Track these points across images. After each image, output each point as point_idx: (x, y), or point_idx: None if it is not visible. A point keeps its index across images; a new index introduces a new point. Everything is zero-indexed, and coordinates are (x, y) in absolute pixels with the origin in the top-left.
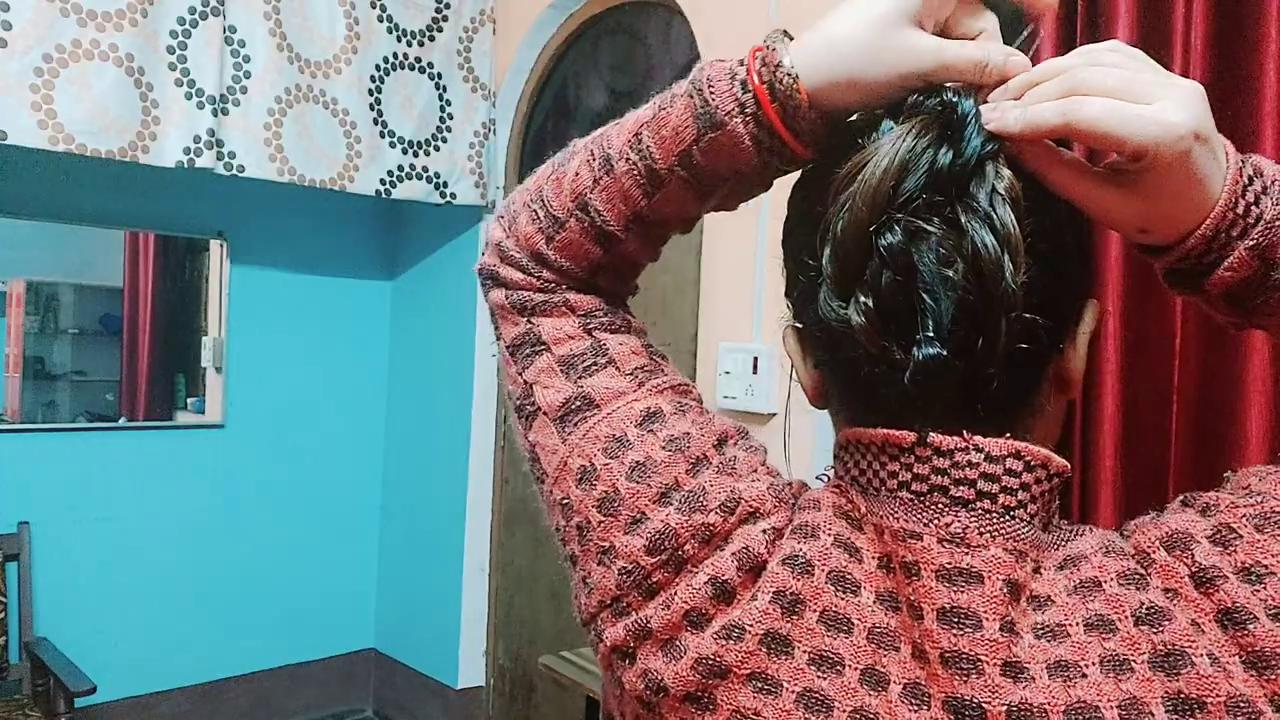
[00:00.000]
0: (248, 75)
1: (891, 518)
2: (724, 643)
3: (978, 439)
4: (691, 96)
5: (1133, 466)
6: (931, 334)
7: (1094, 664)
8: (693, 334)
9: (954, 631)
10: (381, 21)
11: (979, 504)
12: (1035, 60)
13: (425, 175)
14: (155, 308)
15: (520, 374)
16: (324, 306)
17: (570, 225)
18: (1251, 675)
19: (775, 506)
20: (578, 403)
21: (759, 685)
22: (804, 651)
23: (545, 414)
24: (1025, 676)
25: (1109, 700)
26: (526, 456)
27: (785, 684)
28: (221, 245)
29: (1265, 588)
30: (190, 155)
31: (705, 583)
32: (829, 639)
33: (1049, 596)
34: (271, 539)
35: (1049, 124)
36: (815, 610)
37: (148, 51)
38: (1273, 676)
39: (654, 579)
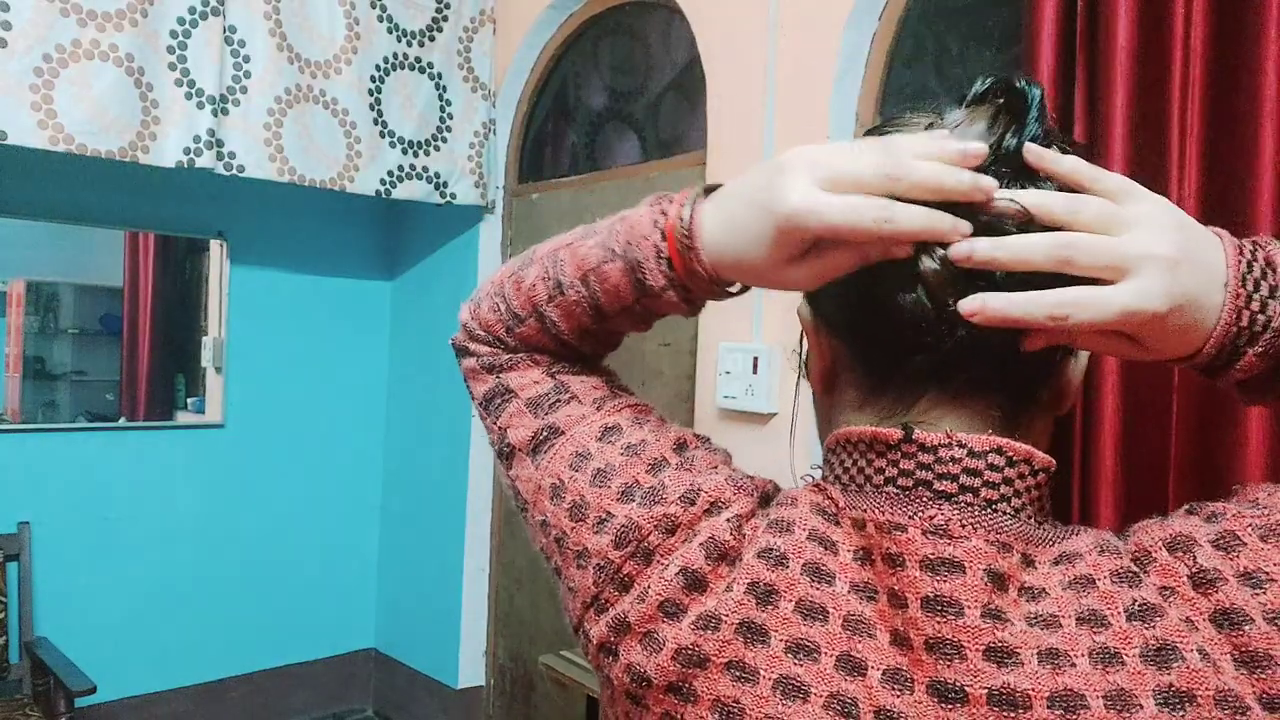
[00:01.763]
0: (248, 75)
1: (876, 511)
2: (701, 633)
3: (961, 435)
4: (627, 269)
5: (1133, 466)
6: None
7: (1084, 655)
8: (693, 334)
9: (937, 619)
10: (381, 21)
11: (961, 497)
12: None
13: (425, 175)
14: (155, 308)
15: (495, 422)
16: (324, 306)
17: (529, 323)
18: (1242, 673)
19: (735, 495)
20: (545, 433)
21: (737, 674)
22: (780, 640)
23: (519, 450)
24: (1012, 661)
25: (1096, 690)
26: (511, 495)
27: (762, 672)
28: (221, 245)
29: (1265, 593)
30: (190, 155)
31: (676, 573)
32: (804, 627)
33: (1044, 589)
34: (271, 539)
35: (1038, 260)
36: (790, 600)
37: (148, 51)
38: (1263, 675)
39: (625, 571)
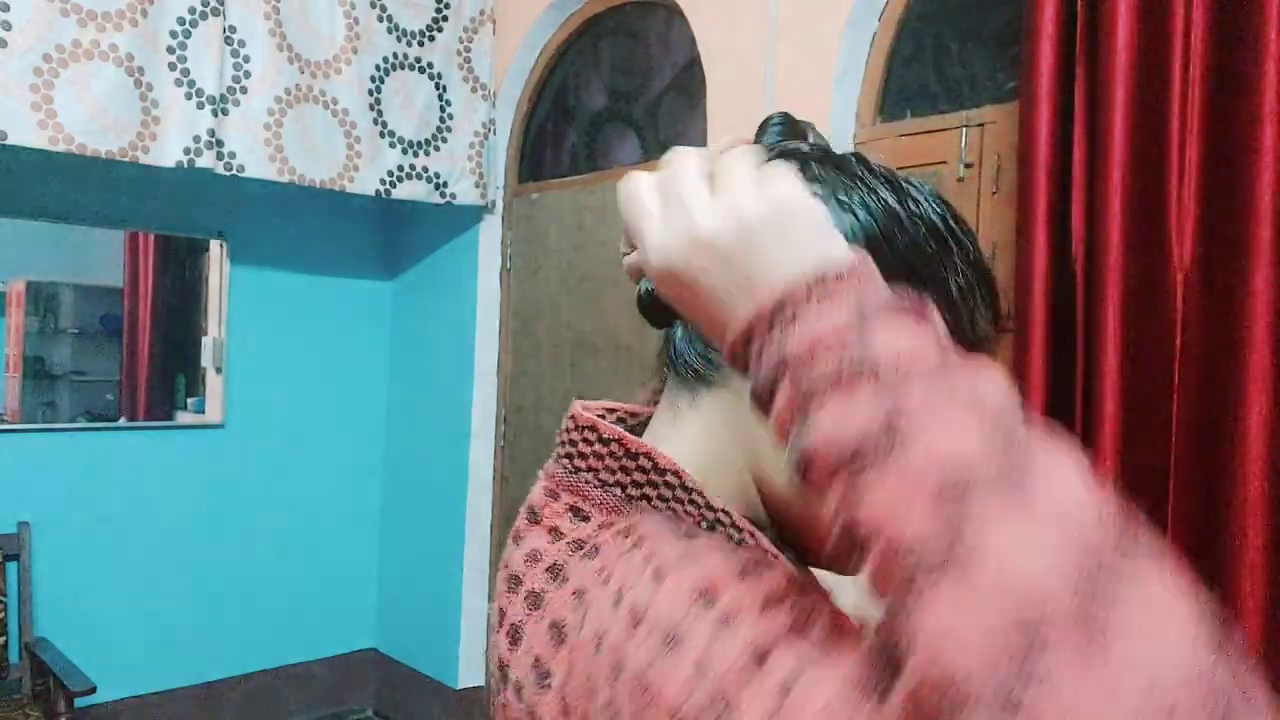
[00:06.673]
0: (248, 75)
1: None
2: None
3: (579, 406)
4: None
5: (1133, 466)
6: None
7: (523, 593)
8: None
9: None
10: (381, 21)
11: (564, 459)
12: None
13: (425, 175)
14: (155, 308)
15: None
16: (324, 306)
17: None
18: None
19: None
20: None
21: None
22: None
23: None
24: (505, 580)
25: (512, 619)
26: None
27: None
28: (221, 245)
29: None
30: (190, 155)
31: None
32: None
33: (567, 536)
34: (271, 539)
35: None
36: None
37: (148, 51)
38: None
39: None
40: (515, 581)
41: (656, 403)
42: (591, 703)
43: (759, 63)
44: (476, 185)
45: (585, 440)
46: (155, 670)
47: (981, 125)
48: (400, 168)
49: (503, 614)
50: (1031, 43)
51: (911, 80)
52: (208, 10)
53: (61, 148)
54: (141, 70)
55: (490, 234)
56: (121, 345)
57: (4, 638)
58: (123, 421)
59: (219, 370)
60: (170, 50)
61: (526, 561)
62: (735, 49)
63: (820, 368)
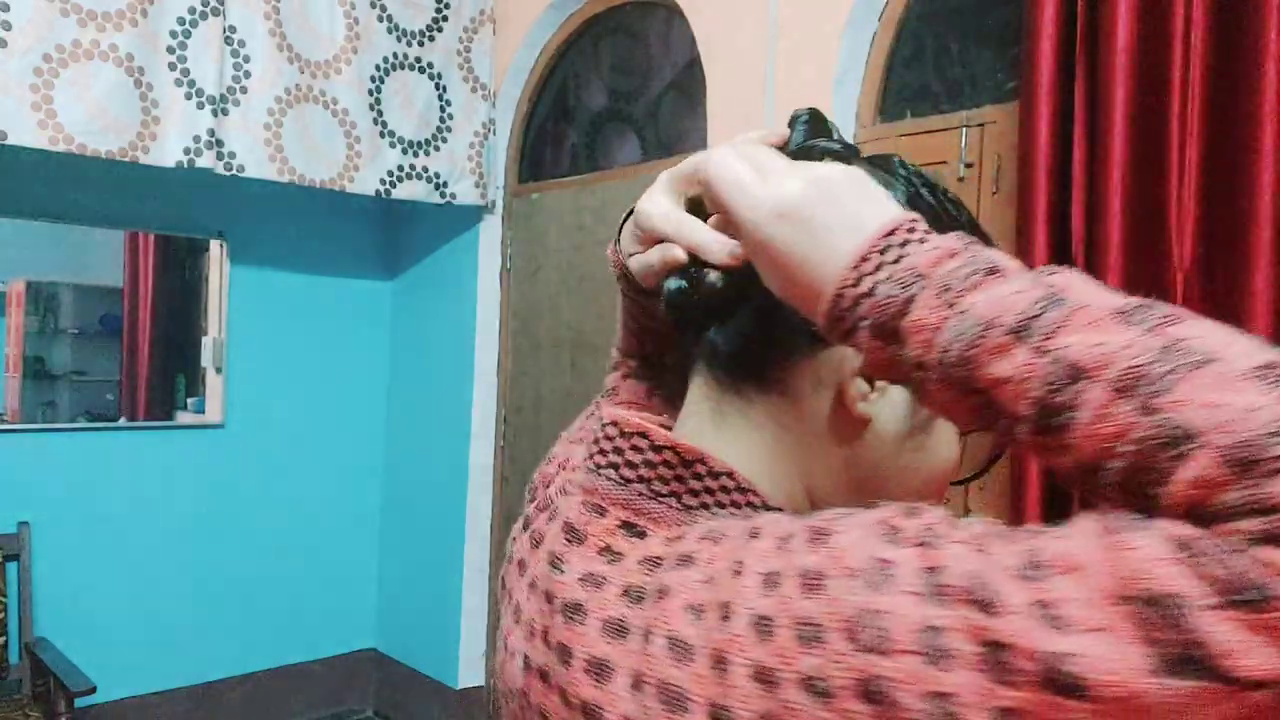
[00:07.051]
0: (248, 75)
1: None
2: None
3: (618, 413)
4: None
5: None
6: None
7: (596, 619)
8: None
9: (546, 562)
10: (381, 21)
11: (605, 470)
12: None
13: (425, 175)
14: (155, 308)
15: None
16: (324, 306)
17: None
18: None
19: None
20: None
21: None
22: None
23: None
24: (546, 606)
25: (581, 650)
26: None
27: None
28: (221, 245)
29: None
30: (190, 155)
31: None
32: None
33: (630, 556)
34: (271, 539)
35: (685, 174)
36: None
37: (148, 51)
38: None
39: None
40: (577, 610)
41: (631, 407)
42: (771, 697)
43: (759, 63)
44: (476, 185)
45: (634, 448)
46: (155, 670)
47: (981, 125)
48: (400, 168)
49: (568, 649)
50: (1031, 43)
51: (911, 80)
52: (208, 10)
53: (61, 148)
54: (141, 70)
55: (490, 234)
56: (121, 345)
57: (4, 638)
58: (123, 421)
59: (219, 370)
60: (170, 50)
61: (585, 587)
62: (735, 49)
63: (958, 271)
